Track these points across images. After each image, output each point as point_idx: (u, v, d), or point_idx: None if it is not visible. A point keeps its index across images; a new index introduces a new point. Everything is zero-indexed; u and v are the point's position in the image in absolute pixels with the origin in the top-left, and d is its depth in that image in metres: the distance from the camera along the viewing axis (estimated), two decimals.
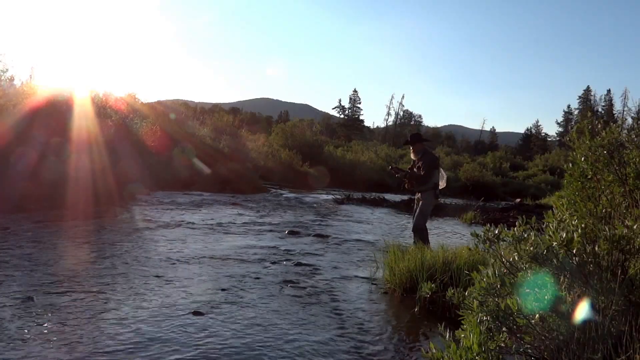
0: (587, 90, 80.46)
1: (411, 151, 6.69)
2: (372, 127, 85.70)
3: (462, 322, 2.16)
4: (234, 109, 65.84)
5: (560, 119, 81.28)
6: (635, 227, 2.16)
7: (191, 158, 14.79)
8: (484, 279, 2.17)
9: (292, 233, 7.55)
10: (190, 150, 15.21)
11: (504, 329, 2.02)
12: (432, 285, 3.99)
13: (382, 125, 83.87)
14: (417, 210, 6.56)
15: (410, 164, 6.94)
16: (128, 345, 2.89)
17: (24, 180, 8.04)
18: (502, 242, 2.25)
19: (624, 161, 2.39)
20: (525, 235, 2.18)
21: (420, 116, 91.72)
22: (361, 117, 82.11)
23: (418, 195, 6.62)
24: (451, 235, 8.64)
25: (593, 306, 1.99)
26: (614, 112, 71.87)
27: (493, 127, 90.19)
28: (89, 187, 8.69)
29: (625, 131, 2.61)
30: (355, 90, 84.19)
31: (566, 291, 2.08)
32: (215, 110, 45.80)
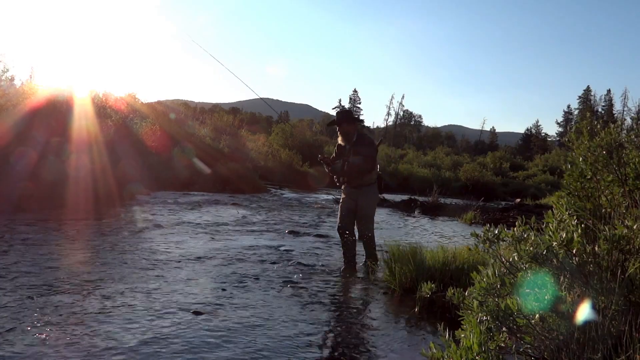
0: (587, 90, 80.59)
1: (339, 134, 5.25)
2: (372, 127, 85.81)
3: (462, 322, 2.16)
4: (234, 109, 65.85)
5: (560, 119, 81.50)
6: (635, 227, 2.16)
7: (191, 158, 14.79)
8: (484, 279, 2.17)
9: (292, 233, 7.55)
10: (190, 150, 15.22)
11: (504, 329, 2.02)
12: (432, 285, 3.99)
13: (382, 125, 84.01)
14: (360, 214, 5.19)
15: (334, 153, 5.49)
16: (128, 344, 2.89)
17: (24, 180, 8.04)
18: (502, 242, 2.26)
19: (624, 161, 2.39)
20: (525, 236, 2.18)
21: (420, 116, 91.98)
22: (361, 117, 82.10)
23: (353, 190, 5.24)
24: (451, 235, 8.64)
25: (593, 306, 1.99)
26: (614, 112, 71.95)
27: (493, 127, 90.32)
28: (89, 187, 8.69)
29: (625, 131, 2.62)
30: (355, 90, 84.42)
31: (566, 291, 2.08)
32: (215, 110, 45.80)
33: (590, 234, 2.23)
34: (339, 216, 5.38)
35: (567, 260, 2.04)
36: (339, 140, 5.31)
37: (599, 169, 2.49)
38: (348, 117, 5.29)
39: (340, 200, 5.44)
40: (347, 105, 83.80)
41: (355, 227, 5.35)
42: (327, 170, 5.36)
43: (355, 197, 5.23)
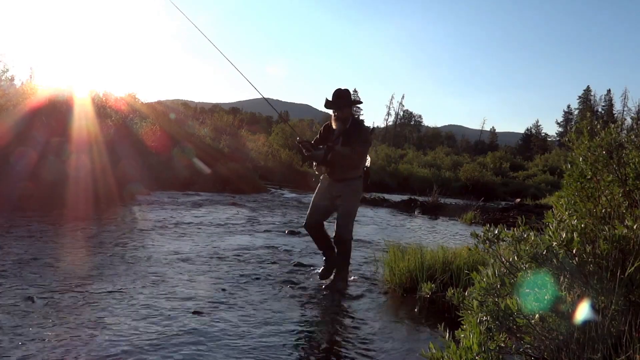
0: (587, 90, 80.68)
1: (333, 118, 4.54)
2: (372, 127, 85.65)
3: (462, 322, 2.16)
4: (234, 109, 65.89)
5: (560, 119, 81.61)
6: (635, 227, 2.16)
7: (191, 158, 14.79)
8: (484, 279, 2.17)
9: (292, 233, 7.55)
10: (190, 150, 15.22)
11: (503, 329, 2.02)
12: (432, 285, 3.99)
13: (382, 125, 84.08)
14: (341, 210, 4.48)
15: (316, 136, 4.78)
16: (128, 345, 2.89)
17: (24, 180, 8.04)
18: (502, 242, 2.25)
19: (624, 161, 2.39)
20: (525, 236, 2.18)
21: (420, 116, 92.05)
22: (361, 117, 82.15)
23: (334, 184, 4.52)
24: (451, 235, 8.64)
25: (593, 306, 1.99)
26: (614, 112, 72.04)
27: (493, 127, 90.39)
28: (89, 187, 8.69)
29: (625, 131, 2.62)
30: (355, 90, 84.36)
31: (566, 291, 2.08)
32: (215, 110, 45.86)
33: (590, 234, 2.23)
34: (309, 209, 4.63)
35: (567, 260, 2.04)
36: (333, 123, 4.57)
37: (599, 169, 2.49)
38: (348, 101, 4.53)
39: (316, 191, 4.66)
40: None
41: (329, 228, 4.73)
42: (305, 156, 4.55)
43: (335, 192, 4.51)
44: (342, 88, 4.54)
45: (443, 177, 23.53)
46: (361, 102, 5.35)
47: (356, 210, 4.64)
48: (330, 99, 4.50)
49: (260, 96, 5.04)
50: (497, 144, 79.96)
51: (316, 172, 4.65)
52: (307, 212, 4.66)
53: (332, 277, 4.64)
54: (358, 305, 4.11)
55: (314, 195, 4.70)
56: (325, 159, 4.38)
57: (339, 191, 4.50)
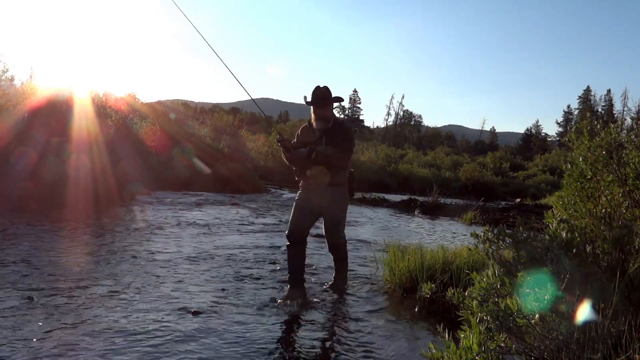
0: (587, 90, 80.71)
1: (313, 117, 4.26)
2: (372, 127, 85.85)
3: (462, 322, 2.16)
4: (234, 109, 65.85)
5: (560, 119, 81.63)
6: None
7: (191, 158, 14.80)
8: (484, 279, 2.17)
9: None
10: (190, 150, 15.23)
11: (503, 329, 2.02)
12: (432, 285, 3.99)
13: (382, 125, 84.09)
14: (330, 217, 4.27)
15: (294, 140, 4.43)
16: (127, 345, 2.89)
17: (24, 180, 8.05)
18: (501, 242, 2.25)
19: (624, 161, 2.39)
20: (525, 236, 2.18)
21: (420, 116, 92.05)
22: (361, 117, 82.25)
23: (319, 190, 4.17)
24: (451, 235, 8.64)
25: (593, 306, 1.99)
26: (614, 112, 72.07)
27: (493, 127, 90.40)
28: (89, 187, 8.69)
29: (625, 131, 2.62)
30: (355, 90, 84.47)
31: (566, 291, 2.08)
32: (215, 110, 45.89)
33: (590, 234, 2.23)
34: (292, 217, 4.21)
35: (567, 260, 2.04)
36: (314, 123, 4.27)
37: (599, 169, 2.49)
38: (330, 99, 4.24)
39: (297, 197, 4.31)
40: (347, 105, 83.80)
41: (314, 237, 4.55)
42: (285, 158, 4.23)
43: (321, 198, 4.19)
44: (322, 86, 4.25)
45: (443, 177, 23.52)
46: (342, 100, 4.68)
47: (345, 215, 4.43)
48: (309, 97, 4.22)
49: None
50: (497, 144, 79.98)
51: (296, 177, 4.32)
52: (291, 220, 4.22)
53: (332, 277, 4.65)
54: (358, 306, 4.11)
55: (295, 201, 4.30)
56: (309, 159, 4.09)
57: (323, 196, 4.19)
